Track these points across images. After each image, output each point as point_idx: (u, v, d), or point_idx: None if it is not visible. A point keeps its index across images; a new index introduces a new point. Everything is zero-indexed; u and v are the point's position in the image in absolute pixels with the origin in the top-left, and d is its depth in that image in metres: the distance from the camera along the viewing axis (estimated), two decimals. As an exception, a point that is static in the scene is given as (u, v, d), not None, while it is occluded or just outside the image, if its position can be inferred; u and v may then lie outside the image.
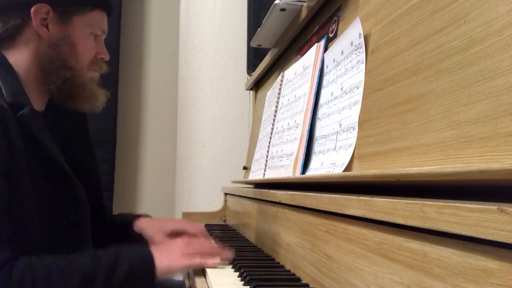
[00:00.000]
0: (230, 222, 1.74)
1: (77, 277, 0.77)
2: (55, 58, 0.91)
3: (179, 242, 0.93)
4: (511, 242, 0.31)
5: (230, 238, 1.31)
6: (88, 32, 0.95)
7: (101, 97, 1.00)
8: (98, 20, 0.97)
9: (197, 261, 0.89)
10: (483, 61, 0.47)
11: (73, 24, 0.93)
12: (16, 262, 0.75)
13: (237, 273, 0.85)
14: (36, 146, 0.85)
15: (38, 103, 0.93)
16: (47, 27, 0.90)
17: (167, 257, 0.86)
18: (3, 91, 0.83)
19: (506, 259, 0.32)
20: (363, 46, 0.77)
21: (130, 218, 1.17)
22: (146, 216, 1.19)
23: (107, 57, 1.01)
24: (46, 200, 0.86)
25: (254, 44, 1.51)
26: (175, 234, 1.08)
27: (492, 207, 0.33)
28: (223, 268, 0.91)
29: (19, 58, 0.90)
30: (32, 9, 0.88)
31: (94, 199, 1.01)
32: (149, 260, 0.84)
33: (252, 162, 1.47)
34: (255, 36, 1.45)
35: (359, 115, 0.73)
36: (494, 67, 0.45)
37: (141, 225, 1.14)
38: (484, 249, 0.35)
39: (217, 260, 0.90)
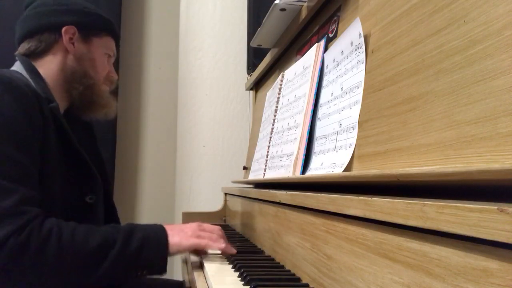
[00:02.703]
0: (230, 222, 1.74)
1: (98, 238, 0.86)
2: (78, 69, 1.10)
3: (191, 224, 1.02)
4: (511, 242, 0.31)
5: (230, 238, 1.31)
6: (103, 52, 1.15)
7: (114, 105, 1.19)
8: (110, 44, 1.18)
9: (204, 242, 0.96)
10: (483, 61, 0.47)
11: (93, 44, 1.13)
12: (46, 218, 0.84)
13: (237, 273, 0.85)
14: (61, 133, 0.98)
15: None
16: (73, 44, 1.09)
17: (178, 234, 0.95)
18: (36, 89, 0.96)
19: (506, 259, 0.32)
20: (363, 46, 0.77)
21: None
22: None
23: (115, 76, 1.21)
24: (67, 181, 0.98)
25: (254, 44, 1.51)
26: None
27: (492, 207, 0.33)
28: (223, 268, 0.92)
29: (47, 69, 1.07)
30: (63, 29, 1.07)
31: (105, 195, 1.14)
32: (162, 233, 0.93)
33: (252, 162, 1.47)
34: (255, 36, 1.45)
35: (359, 115, 0.73)
36: (494, 67, 0.45)
37: None
38: (484, 249, 0.35)
39: (223, 244, 0.98)
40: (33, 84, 0.98)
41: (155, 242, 0.91)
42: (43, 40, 1.07)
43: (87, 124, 1.21)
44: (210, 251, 1.03)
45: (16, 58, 1.07)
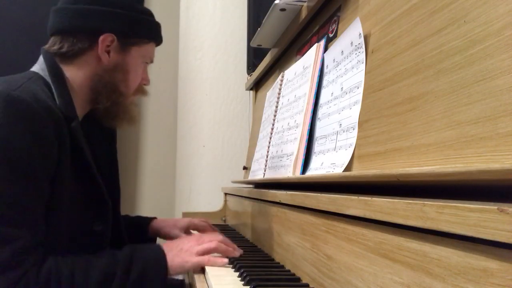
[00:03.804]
0: (230, 222, 1.74)
1: (97, 275, 0.84)
2: (108, 82, 1.00)
3: (190, 239, 0.99)
4: (511, 242, 0.31)
5: (230, 238, 1.31)
6: (140, 61, 1.05)
7: (138, 117, 1.10)
8: (150, 51, 1.08)
9: (206, 259, 0.93)
10: (483, 61, 0.47)
11: (131, 53, 1.02)
12: (44, 262, 0.82)
13: (237, 273, 0.85)
14: (79, 157, 0.92)
15: (78, 115, 0.98)
16: (108, 53, 0.99)
17: (179, 256, 0.92)
18: (57, 101, 0.90)
19: (506, 259, 0.32)
20: (363, 46, 0.77)
21: (145, 221, 1.28)
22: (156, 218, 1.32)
23: (148, 83, 1.11)
24: (76, 209, 0.92)
25: (254, 44, 1.51)
26: (188, 230, 1.26)
27: (492, 207, 0.33)
28: (223, 268, 0.92)
29: (74, 75, 0.98)
30: (101, 38, 0.97)
31: (113, 211, 1.09)
32: (162, 260, 0.90)
33: (252, 162, 1.47)
34: (255, 36, 1.45)
35: (359, 115, 0.73)
36: (494, 67, 0.45)
37: (156, 226, 1.26)
38: (484, 249, 0.35)
39: (226, 260, 0.94)
40: (54, 92, 0.91)
41: (154, 271, 0.89)
42: (76, 43, 0.97)
43: (109, 128, 1.12)
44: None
45: (42, 53, 0.98)
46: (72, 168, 0.90)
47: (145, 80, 1.09)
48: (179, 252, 0.93)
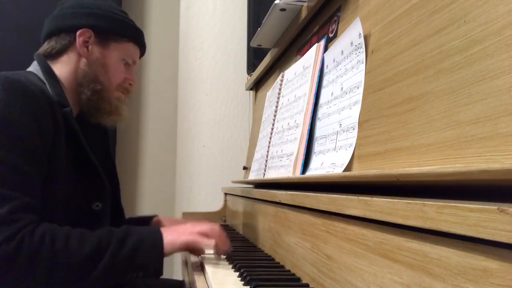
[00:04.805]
0: (230, 222, 1.74)
1: (92, 242, 0.86)
2: (89, 73, 1.08)
3: (185, 223, 1.03)
4: (511, 242, 0.31)
5: (230, 238, 1.31)
6: (120, 58, 1.12)
7: (124, 113, 1.15)
8: (131, 51, 1.15)
9: (192, 237, 0.95)
10: (483, 61, 0.47)
11: (109, 49, 1.10)
12: (40, 224, 0.84)
13: (237, 273, 0.85)
14: (73, 139, 0.98)
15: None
16: (87, 48, 1.08)
17: (171, 234, 0.94)
18: (50, 92, 0.97)
19: (506, 259, 0.32)
20: (363, 46, 0.77)
21: (147, 218, 1.31)
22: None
23: (134, 83, 1.18)
24: (74, 188, 0.97)
25: (254, 44, 1.51)
26: None
27: (492, 207, 0.33)
28: (223, 268, 0.92)
29: (61, 70, 1.07)
30: (78, 32, 1.06)
31: (112, 197, 1.13)
32: (157, 235, 0.92)
33: (252, 162, 1.47)
34: (255, 36, 1.45)
35: (359, 115, 0.73)
36: (494, 67, 0.45)
37: (158, 221, 1.29)
38: (484, 249, 0.35)
39: (212, 241, 0.95)
40: (48, 86, 0.98)
41: (149, 244, 0.90)
42: (59, 41, 1.07)
43: (101, 127, 1.18)
44: (207, 251, 1.01)
45: (34, 57, 1.07)
46: (67, 149, 0.96)
47: (130, 80, 1.15)
48: (173, 232, 0.96)
